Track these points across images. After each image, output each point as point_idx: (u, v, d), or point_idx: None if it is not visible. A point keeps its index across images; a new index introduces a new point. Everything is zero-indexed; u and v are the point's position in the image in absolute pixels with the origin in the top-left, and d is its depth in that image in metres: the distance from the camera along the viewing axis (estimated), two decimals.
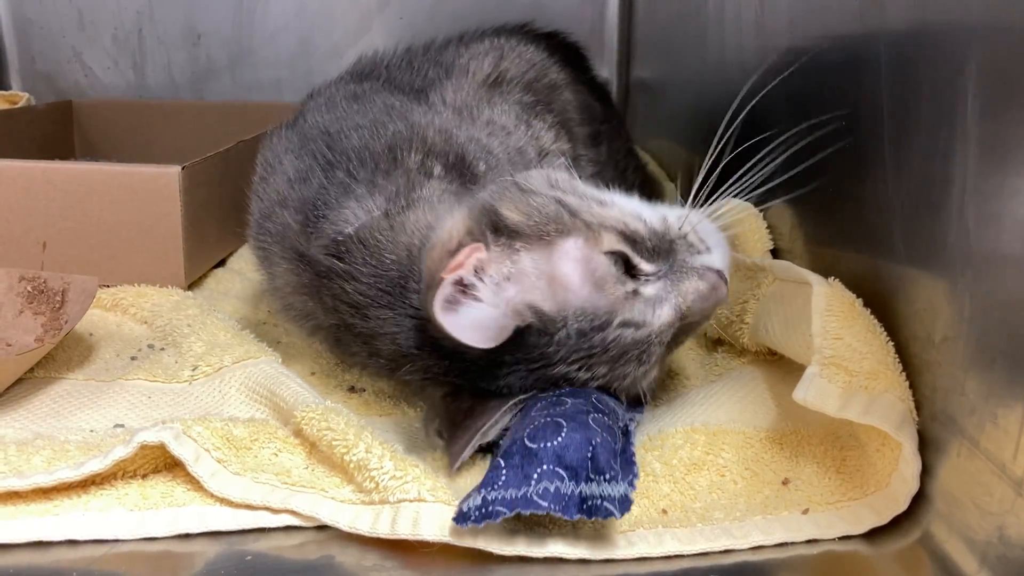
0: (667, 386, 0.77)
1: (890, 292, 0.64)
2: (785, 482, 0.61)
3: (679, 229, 0.66)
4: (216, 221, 1.07)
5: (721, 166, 0.74)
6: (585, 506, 0.53)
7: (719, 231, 0.68)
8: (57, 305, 0.85)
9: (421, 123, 0.78)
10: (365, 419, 0.66)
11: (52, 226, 0.98)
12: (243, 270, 1.11)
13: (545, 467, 0.54)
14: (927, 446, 0.57)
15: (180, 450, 0.61)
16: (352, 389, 0.79)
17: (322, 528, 0.58)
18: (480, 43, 1.00)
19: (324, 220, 0.71)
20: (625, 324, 0.61)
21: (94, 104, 1.59)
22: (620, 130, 1.25)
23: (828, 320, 0.63)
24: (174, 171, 0.96)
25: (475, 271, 0.61)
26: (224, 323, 0.87)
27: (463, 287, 0.60)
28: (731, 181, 0.72)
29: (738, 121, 0.78)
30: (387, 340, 0.67)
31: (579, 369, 0.63)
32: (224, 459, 0.62)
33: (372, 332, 0.68)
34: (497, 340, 0.60)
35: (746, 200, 0.74)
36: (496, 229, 0.63)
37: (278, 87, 1.68)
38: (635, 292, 0.62)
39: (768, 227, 0.90)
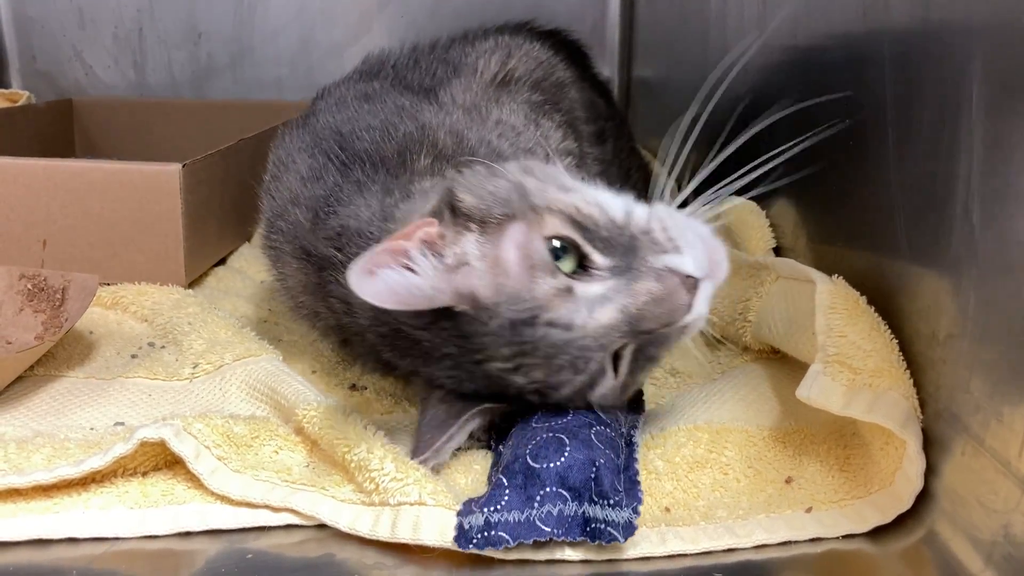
0: (670, 384, 0.77)
1: (894, 289, 0.64)
2: (788, 480, 0.60)
3: (644, 224, 0.60)
4: (217, 219, 1.07)
5: (685, 164, 0.73)
6: (588, 528, 0.53)
7: (701, 230, 0.62)
8: (57, 303, 0.84)
9: (432, 124, 0.77)
10: (366, 418, 0.66)
11: (52, 224, 0.97)
12: (244, 268, 1.10)
13: (548, 489, 0.54)
14: (931, 444, 0.57)
15: (180, 447, 0.61)
16: (353, 387, 0.79)
17: (322, 526, 0.58)
18: (486, 41, 1.00)
19: (333, 215, 0.71)
20: (551, 323, 0.57)
21: (94, 102, 1.59)
22: (623, 128, 1.25)
23: (832, 318, 0.63)
24: (175, 169, 0.96)
25: (423, 247, 0.59)
26: (225, 321, 0.87)
27: (405, 259, 0.58)
28: (701, 179, 0.69)
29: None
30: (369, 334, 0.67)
31: (514, 369, 0.59)
32: (224, 456, 0.62)
33: (360, 328, 0.68)
34: (407, 306, 0.57)
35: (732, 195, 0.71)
36: (454, 211, 0.61)
37: (279, 86, 1.67)
38: (568, 289, 0.57)
39: (771, 225, 0.90)
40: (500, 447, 0.63)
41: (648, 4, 1.60)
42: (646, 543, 0.55)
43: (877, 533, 0.56)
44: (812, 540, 0.56)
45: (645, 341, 0.59)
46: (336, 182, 0.73)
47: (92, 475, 0.60)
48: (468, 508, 0.55)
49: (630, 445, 0.63)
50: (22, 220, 0.97)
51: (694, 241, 0.60)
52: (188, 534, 0.58)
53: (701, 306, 0.59)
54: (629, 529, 0.54)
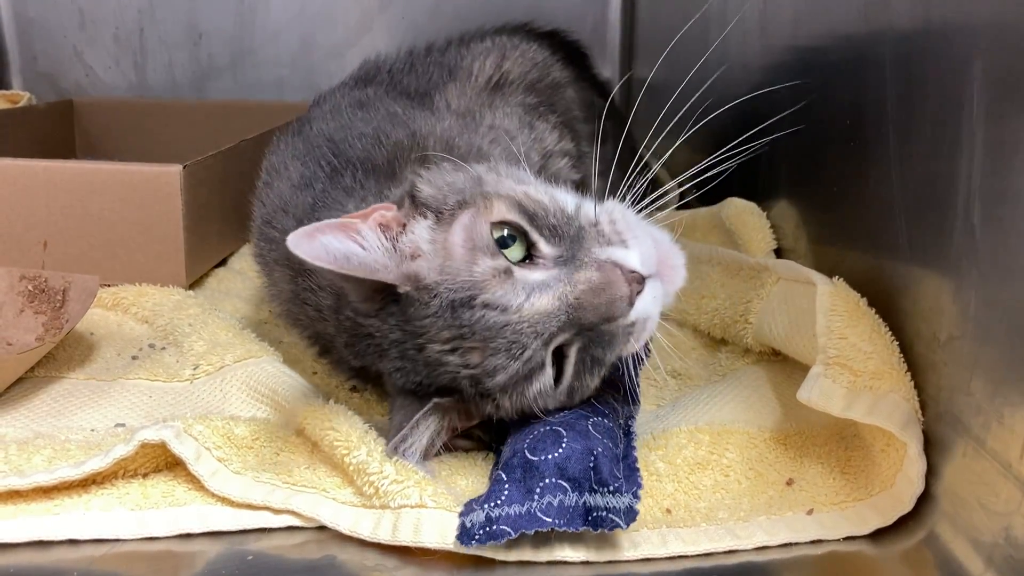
0: (671, 386, 0.77)
1: (895, 291, 0.64)
2: (789, 482, 0.60)
3: (593, 217, 0.61)
4: (217, 220, 1.07)
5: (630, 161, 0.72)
6: (590, 517, 0.53)
7: (657, 234, 0.62)
8: (58, 304, 0.84)
9: (423, 132, 0.78)
10: (367, 420, 0.66)
11: (53, 225, 0.97)
12: (244, 269, 1.10)
13: (548, 480, 0.54)
14: (932, 446, 0.57)
15: (181, 448, 0.61)
16: (354, 389, 0.79)
17: (323, 528, 0.58)
18: (482, 43, 1.00)
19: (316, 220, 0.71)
20: (488, 305, 0.57)
21: (95, 103, 1.59)
22: (623, 128, 1.25)
23: (832, 320, 0.62)
24: (175, 170, 0.96)
25: (376, 228, 0.60)
26: (225, 322, 0.87)
27: (355, 233, 0.59)
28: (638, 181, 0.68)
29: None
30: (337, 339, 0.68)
31: (451, 351, 0.59)
32: (225, 458, 0.62)
33: (330, 336, 0.69)
34: (340, 269, 0.57)
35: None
36: (414, 201, 0.63)
37: (279, 86, 1.67)
38: (507, 271, 0.57)
39: (772, 226, 0.90)
40: (501, 448, 0.63)
41: (649, 5, 1.60)
42: (647, 544, 0.55)
43: (878, 535, 0.56)
44: (813, 542, 0.56)
45: (589, 340, 0.59)
46: (324, 188, 0.73)
47: (93, 476, 0.60)
48: (469, 507, 0.55)
49: (628, 435, 0.63)
50: (23, 221, 0.97)
51: (643, 238, 0.60)
52: (189, 536, 0.58)
53: (649, 306, 0.59)
54: (631, 514, 0.53)
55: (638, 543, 0.55)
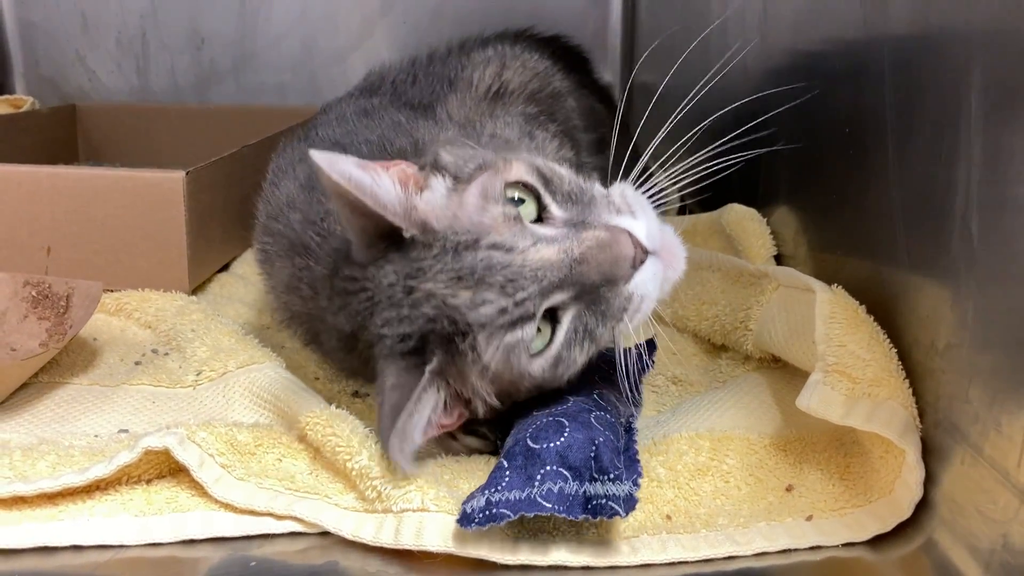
0: (672, 392, 0.77)
1: (893, 299, 0.64)
2: (789, 488, 0.61)
3: (606, 191, 0.64)
4: (220, 226, 1.08)
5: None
6: (590, 506, 0.53)
7: (665, 228, 0.63)
8: (61, 310, 0.85)
9: (425, 140, 0.79)
10: (369, 425, 0.66)
11: (57, 231, 0.98)
12: (247, 275, 1.11)
13: (548, 468, 0.54)
14: (931, 453, 0.57)
15: (184, 455, 0.61)
16: (356, 394, 0.79)
17: (326, 534, 0.58)
18: (483, 51, 1.01)
19: (320, 207, 0.73)
20: (494, 245, 0.58)
21: (98, 108, 1.60)
22: (625, 133, 1.25)
23: (831, 327, 0.63)
24: (178, 176, 0.97)
25: (396, 178, 0.61)
26: (228, 328, 0.87)
27: (374, 173, 0.60)
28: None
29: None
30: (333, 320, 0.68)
31: (446, 287, 0.59)
32: (228, 464, 0.62)
33: (321, 312, 0.69)
34: (349, 187, 0.58)
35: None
36: (435, 165, 0.64)
37: (282, 91, 1.68)
38: (516, 218, 0.59)
39: (772, 232, 0.90)
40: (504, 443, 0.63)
41: (649, 9, 1.60)
42: (647, 550, 0.55)
43: (877, 541, 0.56)
44: (812, 548, 0.56)
45: (585, 306, 0.60)
46: None
47: (96, 483, 0.61)
48: (471, 495, 0.55)
49: (629, 431, 0.63)
50: (26, 227, 0.98)
51: (652, 217, 0.63)
52: (192, 542, 0.58)
53: (648, 282, 0.60)
54: (630, 502, 0.54)
55: (638, 549, 0.55)
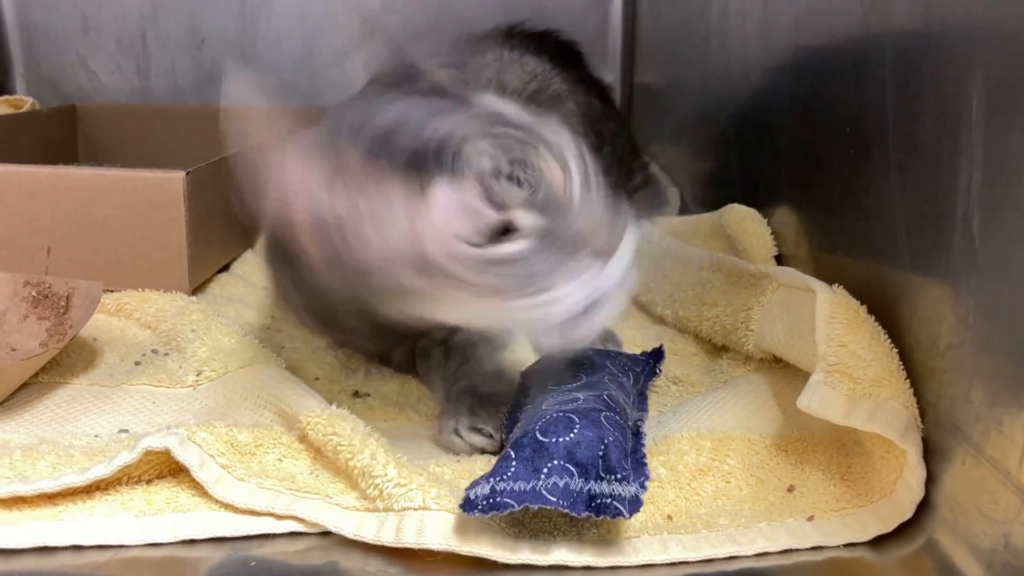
0: (672, 392, 0.77)
1: (894, 299, 0.64)
2: (790, 489, 0.61)
3: None
4: (220, 226, 1.07)
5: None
6: (594, 504, 0.53)
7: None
8: (62, 310, 0.85)
9: None
10: (369, 425, 0.66)
11: (57, 231, 0.98)
12: (247, 275, 1.11)
13: (556, 462, 0.54)
14: (932, 454, 0.57)
15: (185, 456, 0.61)
16: (356, 394, 0.79)
17: (326, 534, 0.58)
18: (481, 58, 1.01)
19: None
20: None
21: (98, 108, 1.59)
22: (622, 129, 1.25)
23: (832, 327, 0.63)
24: (179, 176, 0.97)
25: None
26: (228, 328, 0.87)
27: None
28: None
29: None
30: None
31: None
32: (228, 465, 0.62)
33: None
34: None
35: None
36: None
37: (282, 92, 1.68)
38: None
39: (772, 233, 0.90)
40: (509, 435, 0.63)
41: (650, 10, 1.60)
42: (648, 550, 0.55)
43: (878, 542, 0.56)
44: (813, 548, 0.56)
45: None
46: None
47: (97, 483, 0.61)
48: (476, 482, 0.55)
49: (637, 435, 0.63)
50: (26, 227, 0.98)
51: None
52: (192, 542, 0.58)
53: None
54: (635, 504, 0.54)
55: (639, 549, 0.55)
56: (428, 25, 1.64)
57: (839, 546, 0.56)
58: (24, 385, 0.78)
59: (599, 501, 0.53)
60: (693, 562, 0.55)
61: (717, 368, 0.80)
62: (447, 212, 0.56)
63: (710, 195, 1.15)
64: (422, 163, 0.56)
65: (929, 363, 0.59)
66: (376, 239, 0.57)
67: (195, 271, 1.01)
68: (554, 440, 0.56)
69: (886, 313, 0.64)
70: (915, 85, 0.63)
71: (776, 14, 0.92)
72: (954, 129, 0.56)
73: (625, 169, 1.14)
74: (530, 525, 0.57)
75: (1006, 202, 0.52)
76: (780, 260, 0.88)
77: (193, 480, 0.61)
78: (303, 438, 0.67)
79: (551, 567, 0.54)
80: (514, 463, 0.55)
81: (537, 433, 0.57)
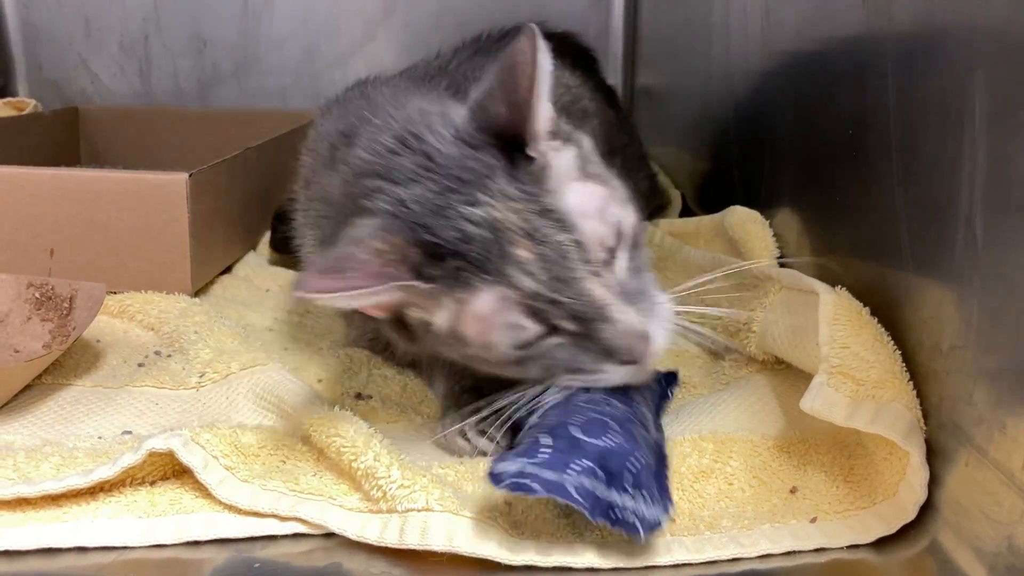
0: (675, 395, 0.77)
1: (897, 301, 0.64)
2: (793, 490, 0.61)
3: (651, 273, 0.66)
4: (222, 228, 1.08)
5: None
6: (611, 514, 0.53)
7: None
8: (65, 312, 0.85)
9: None
10: (372, 426, 0.67)
11: (60, 233, 0.98)
12: (249, 277, 1.11)
13: (587, 463, 0.54)
14: (935, 455, 0.57)
15: (189, 457, 0.61)
16: (359, 396, 0.79)
17: (330, 535, 0.58)
18: None
19: None
20: (579, 246, 0.61)
21: (100, 111, 1.60)
22: (632, 137, 1.26)
23: (835, 329, 0.63)
24: (182, 178, 0.97)
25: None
26: (231, 330, 0.87)
27: None
28: None
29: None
30: None
31: (514, 229, 0.59)
32: (232, 466, 0.62)
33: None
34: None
35: None
36: (568, 138, 0.66)
37: (283, 95, 1.68)
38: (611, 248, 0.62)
39: (775, 235, 0.90)
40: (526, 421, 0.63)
41: (651, 13, 1.60)
42: (652, 554, 0.55)
43: (881, 543, 0.56)
44: (816, 550, 0.56)
45: (575, 343, 0.61)
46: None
47: (100, 484, 0.61)
48: (502, 456, 0.55)
49: (662, 458, 0.63)
50: (29, 229, 0.98)
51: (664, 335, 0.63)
52: (196, 543, 0.58)
53: (619, 377, 0.62)
54: (654, 527, 0.53)
55: (642, 551, 0.55)
56: (429, 27, 1.65)
57: (842, 548, 0.56)
58: (27, 387, 0.78)
59: (618, 513, 0.53)
60: (696, 564, 0.55)
61: (719, 370, 0.80)
62: (493, 326, 0.60)
63: (712, 197, 1.15)
64: (469, 273, 0.59)
65: (932, 365, 0.59)
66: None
67: (198, 273, 1.01)
68: (592, 441, 0.56)
69: (889, 315, 0.64)
70: (917, 87, 0.63)
71: (778, 16, 0.92)
72: (957, 131, 0.57)
73: (634, 177, 1.15)
74: (532, 526, 0.57)
75: (1009, 204, 0.52)
76: (782, 262, 0.88)
77: (197, 482, 0.61)
78: (306, 440, 0.67)
79: (554, 568, 0.54)
80: (547, 451, 0.55)
81: (573, 428, 0.57)
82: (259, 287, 1.08)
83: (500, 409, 0.64)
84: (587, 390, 0.62)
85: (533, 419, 0.61)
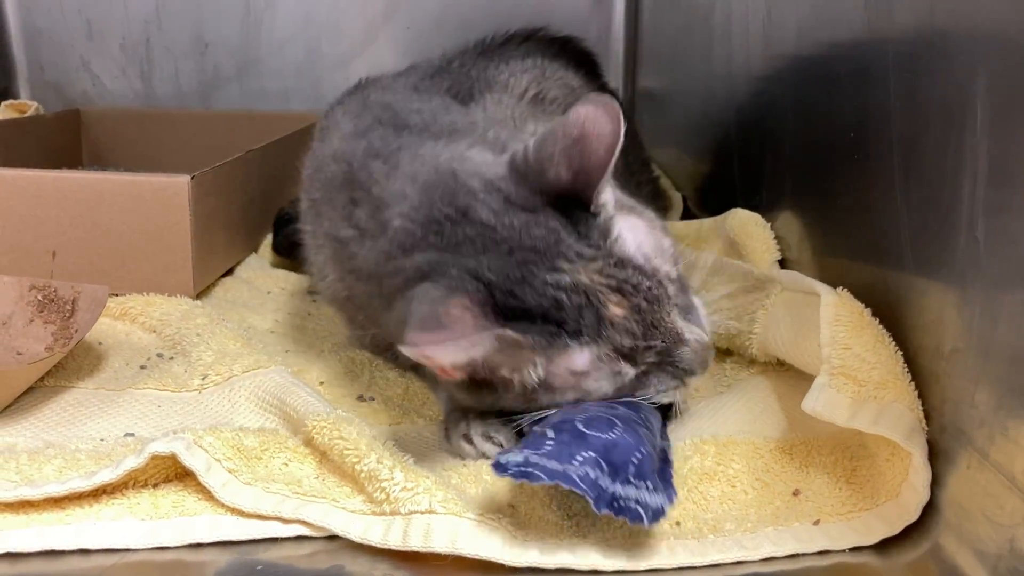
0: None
1: (899, 302, 0.64)
2: (796, 493, 0.61)
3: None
4: (225, 230, 1.08)
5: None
6: (615, 505, 0.53)
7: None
8: (67, 314, 0.85)
9: (473, 119, 0.81)
10: (375, 428, 0.67)
11: (62, 235, 0.98)
12: (251, 279, 1.11)
13: (591, 454, 0.54)
14: (936, 457, 0.57)
15: (192, 460, 0.61)
16: (361, 398, 0.79)
17: (333, 537, 0.59)
18: (522, 61, 1.04)
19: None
20: (664, 289, 0.64)
21: (102, 113, 1.60)
22: (634, 140, 1.26)
23: (837, 330, 0.63)
24: (184, 180, 0.97)
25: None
26: (233, 332, 0.87)
27: None
28: None
29: None
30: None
31: (599, 288, 0.61)
32: (235, 469, 0.62)
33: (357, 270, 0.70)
34: None
35: None
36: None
37: (285, 96, 1.68)
38: (683, 280, 0.67)
39: (776, 237, 0.90)
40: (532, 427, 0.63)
41: (652, 15, 1.61)
42: (655, 556, 0.55)
43: (884, 546, 0.56)
44: (820, 552, 0.56)
45: (661, 368, 0.65)
46: (383, 135, 0.76)
47: (103, 487, 0.61)
48: (507, 450, 0.56)
49: (666, 460, 0.63)
50: (32, 231, 0.98)
51: None
52: (199, 545, 0.58)
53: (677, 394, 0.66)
54: (658, 515, 0.53)
55: (646, 554, 0.55)
56: (431, 29, 1.65)
57: (845, 551, 0.56)
58: (30, 389, 0.78)
59: (622, 503, 0.53)
60: (700, 567, 0.55)
61: (721, 372, 0.80)
62: (590, 377, 0.62)
63: (713, 199, 1.15)
64: (565, 338, 0.60)
65: (933, 367, 0.59)
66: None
67: (200, 275, 1.01)
68: (595, 434, 0.56)
69: (890, 317, 0.64)
70: (919, 90, 0.63)
71: (779, 19, 0.93)
72: (958, 134, 0.57)
73: (636, 180, 1.15)
74: (535, 528, 0.57)
75: (1011, 206, 0.52)
76: (783, 264, 0.88)
77: (200, 484, 0.61)
78: (309, 442, 0.67)
79: (558, 570, 0.54)
80: (551, 442, 0.55)
81: (578, 423, 0.57)
82: (261, 289, 1.08)
83: (505, 413, 0.64)
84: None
85: (546, 420, 0.61)
